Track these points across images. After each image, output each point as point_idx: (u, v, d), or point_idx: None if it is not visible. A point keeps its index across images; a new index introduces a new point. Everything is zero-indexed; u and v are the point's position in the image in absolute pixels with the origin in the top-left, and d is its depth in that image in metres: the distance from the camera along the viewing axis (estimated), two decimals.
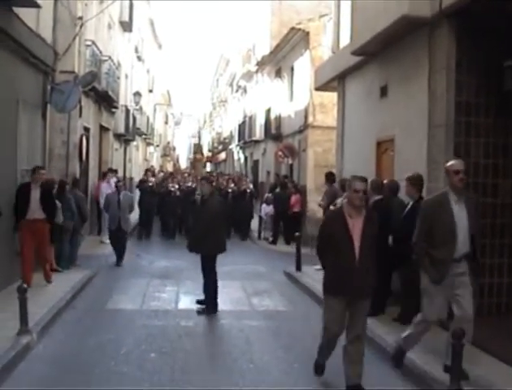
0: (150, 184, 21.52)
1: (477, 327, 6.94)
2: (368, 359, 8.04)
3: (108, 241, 18.13)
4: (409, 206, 9.32)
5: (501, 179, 9.36)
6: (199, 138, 22.23)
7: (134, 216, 21.38)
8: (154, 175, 23.92)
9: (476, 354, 7.45)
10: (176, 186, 21.84)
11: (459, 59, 9.20)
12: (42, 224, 11.16)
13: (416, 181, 9.21)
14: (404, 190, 9.60)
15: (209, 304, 10.53)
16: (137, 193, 22.95)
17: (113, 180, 20.68)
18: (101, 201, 17.63)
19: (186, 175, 26.20)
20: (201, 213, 10.69)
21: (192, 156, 26.44)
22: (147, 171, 24.69)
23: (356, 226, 6.42)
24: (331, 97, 19.37)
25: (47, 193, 11.35)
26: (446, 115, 9.22)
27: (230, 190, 22.41)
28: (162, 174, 27.43)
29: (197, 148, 21.86)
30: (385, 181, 10.28)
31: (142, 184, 22.00)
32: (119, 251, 15.46)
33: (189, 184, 22.39)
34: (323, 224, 6.88)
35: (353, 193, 6.42)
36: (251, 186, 23.62)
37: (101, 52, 19.32)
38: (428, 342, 7.99)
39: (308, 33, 22.50)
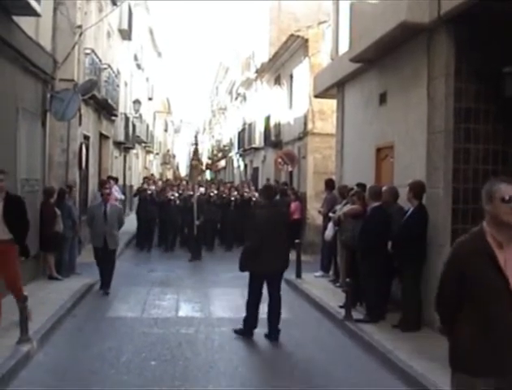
0: (149, 192, 20.60)
1: None
2: (368, 366, 8.07)
3: None
4: (409, 213, 9.35)
5: None
6: (196, 144, 21.97)
7: (131, 226, 21.26)
8: (154, 183, 23.04)
9: None
10: (176, 194, 20.74)
11: (458, 66, 9.22)
12: (6, 247, 8.48)
13: (416, 188, 9.25)
14: (404, 197, 9.64)
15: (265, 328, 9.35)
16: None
17: (114, 189, 20.56)
18: None
19: (185, 182, 25.38)
20: (262, 224, 9.17)
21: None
22: (146, 178, 23.84)
23: (510, 261, 3.89)
24: (330, 104, 19.38)
25: (14, 206, 8.62)
26: (445, 122, 9.23)
27: (233, 198, 21.41)
28: (160, 182, 26.62)
29: (194, 154, 20.94)
30: (384, 188, 10.29)
31: (141, 192, 21.15)
32: (106, 275, 12.64)
33: (189, 192, 20.67)
34: (451, 260, 4.13)
35: (501, 204, 3.90)
36: (256, 194, 21.84)
37: (100, 60, 19.33)
38: (428, 349, 8.01)
39: (307, 40, 22.51)
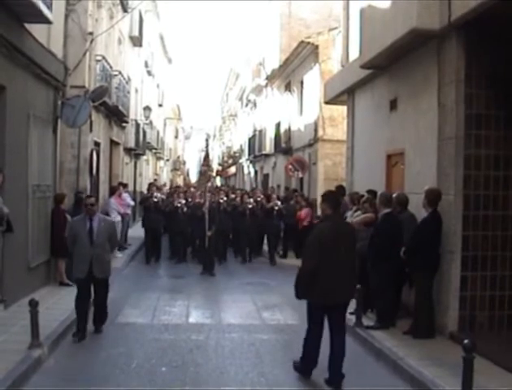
0: (155, 199, 18.79)
1: (488, 340, 6.90)
2: (379, 372, 8.04)
3: (119, 255, 17.89)
4: (422, 219, 9.33)
5: None
6: (207, 147, 21.50)
7: (141, 233, 20.60)
8: (159, 190, 21.60)
9: (486, 366, 7.42)
10: (183, 201, 19.00)
11: (468, 72, 9.20)
12: None
13: (430, 195, 9.22)
14: (416, 203, 9.63)
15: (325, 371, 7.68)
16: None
17: (125, 195, 20.48)
18: (111, 217, 15.52)
19: (193, 189, 23.32)
20: (322, 241, 7.54)
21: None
22: (150, 185, 21.78)
23: None
24: (340, 111, 19.41)
25: None
26: (456, 128, 9.21)
27: (250, 206, 19.23)
28: (165, 188, 25.21)
29: (204, 159, 19.05)
30: (394, 195, 10.28)
31: (146, 200, 19.53)
32: (97, 312, 9.76)
33: (198, 199, 18.72)
34: None
35: None
36: (279, 203, 19.96)
37: (111, 67, 19.40)
38: (439, 355, 7.98)
39: (317, 47, 22.57)
